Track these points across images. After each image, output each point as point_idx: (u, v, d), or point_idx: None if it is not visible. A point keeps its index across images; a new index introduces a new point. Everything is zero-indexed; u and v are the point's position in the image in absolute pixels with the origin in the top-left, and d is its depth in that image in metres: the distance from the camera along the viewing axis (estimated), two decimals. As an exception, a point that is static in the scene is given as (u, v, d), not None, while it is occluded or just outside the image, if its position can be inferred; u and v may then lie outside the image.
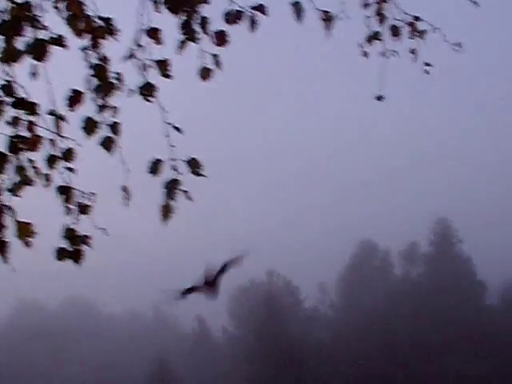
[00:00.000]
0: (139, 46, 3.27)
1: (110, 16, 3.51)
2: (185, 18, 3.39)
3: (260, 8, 3.32)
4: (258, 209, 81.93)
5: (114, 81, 2.99)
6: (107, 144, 3.00)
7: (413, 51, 4.84)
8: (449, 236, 60.16)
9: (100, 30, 3.31)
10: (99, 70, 2.97)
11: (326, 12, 3.70)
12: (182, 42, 3.38)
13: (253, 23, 3.33)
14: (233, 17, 3.35)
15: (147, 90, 2.97)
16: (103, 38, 3.33)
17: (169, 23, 3.55)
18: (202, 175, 2.97)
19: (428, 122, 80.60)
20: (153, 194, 3.09)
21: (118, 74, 3.01)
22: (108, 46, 3.40)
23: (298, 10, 3.42)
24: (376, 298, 56.99)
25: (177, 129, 2.95)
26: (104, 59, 3.28)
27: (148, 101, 2.97)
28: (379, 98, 4.87)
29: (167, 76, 2.99)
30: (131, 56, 3.05)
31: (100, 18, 3.38)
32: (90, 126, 2.93)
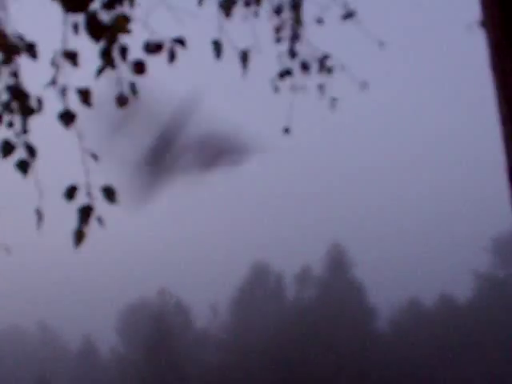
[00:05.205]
0: (56, 67, 3.31)
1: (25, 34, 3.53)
2: (104, 44, 3.44)
3: (180, 41, 3.41)
4: (151, 225, 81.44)
5: (35, 105, 3.02)
6: (22, 166, 3.02)
7: (321, 86, 5.02)
8: (343, 261, 61.38)
9: (15, 46, 3.34)
10: (18, 93, 2.99)
11: (244, 52, 3.82)
12: (101, 68, 3.43)
13: (172, 55, 3.42)
14: (152, 47, 3.42)
15: (66, 117, 3.01)
16: (18, 53, 3.35)
17: (88, 49, 3.60)
18: (115, 202, 3.02)
19: (332, 153, 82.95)
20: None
21: (38, 98, 3.04)
22: (26, 66, 3.42)
23: (217, 47, 3.53)
24: (268, 321, 57.45)
25: (94, 156, 3.00)
26: (17, 77, 3.30)
27: (67, 128, 3.02)
28: (286, 131, 5.02)
29: (88, 104, 3.04)
30: (53, 82, 3.08)
31: (15, 35, 3.41)
32: (6, 148, 2.95)
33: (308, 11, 4.93)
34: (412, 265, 66.93)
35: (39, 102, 3.06)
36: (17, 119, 3.02)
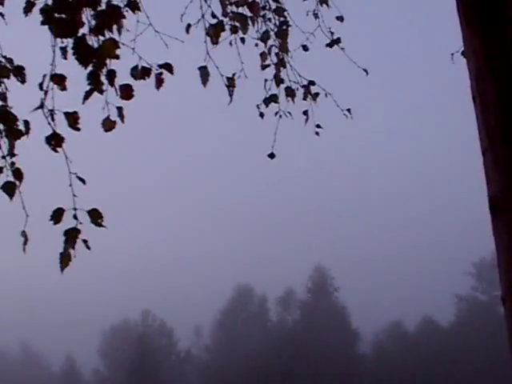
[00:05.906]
0: (44, 91, 3.33)
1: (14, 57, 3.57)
2: (92, 68, 3.47)
3: (167, 66, 3.44)
4: (136, 247, 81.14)
5: (21, 128, 3.04)
6: (8, 189, 3.04)
7: (305, 113, 5.06)
8: (325, 284, 61.35)
9: (3, 69, 3.37)
10: (6, 116, 3.01)
11: (231, 78, 3.86)
12: (88, 92, 3.45)
13: (159, 81, 3.44)
14: (139, 73, 3.45)
15: (54, 140, 3.03)
16: (6, 76, 3.38)
17: (76, 72, 3.62)
18: (101, 226, 3.04)
19: (316, 177, 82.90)
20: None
21: (25, 121, 3.06)
22: (14, 88, 3.45)
23: (204, 74, 3.56)
24: (251, 343, 57.22)
25: (81, 179, 3.02)
26: (5, 100, 3.33)
27: (55, 151, 3.04)
28: (271, 156, 5.05)
29: (76, 129, 3.06)
30: (41, 106, 3.10)
31: (3, 57, 3.44)
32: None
33: (294, 39, 4.99)
34: (395, 288, 66.97)
35: (26, 124, 3.08)
36: (3, 142, 3.04)
